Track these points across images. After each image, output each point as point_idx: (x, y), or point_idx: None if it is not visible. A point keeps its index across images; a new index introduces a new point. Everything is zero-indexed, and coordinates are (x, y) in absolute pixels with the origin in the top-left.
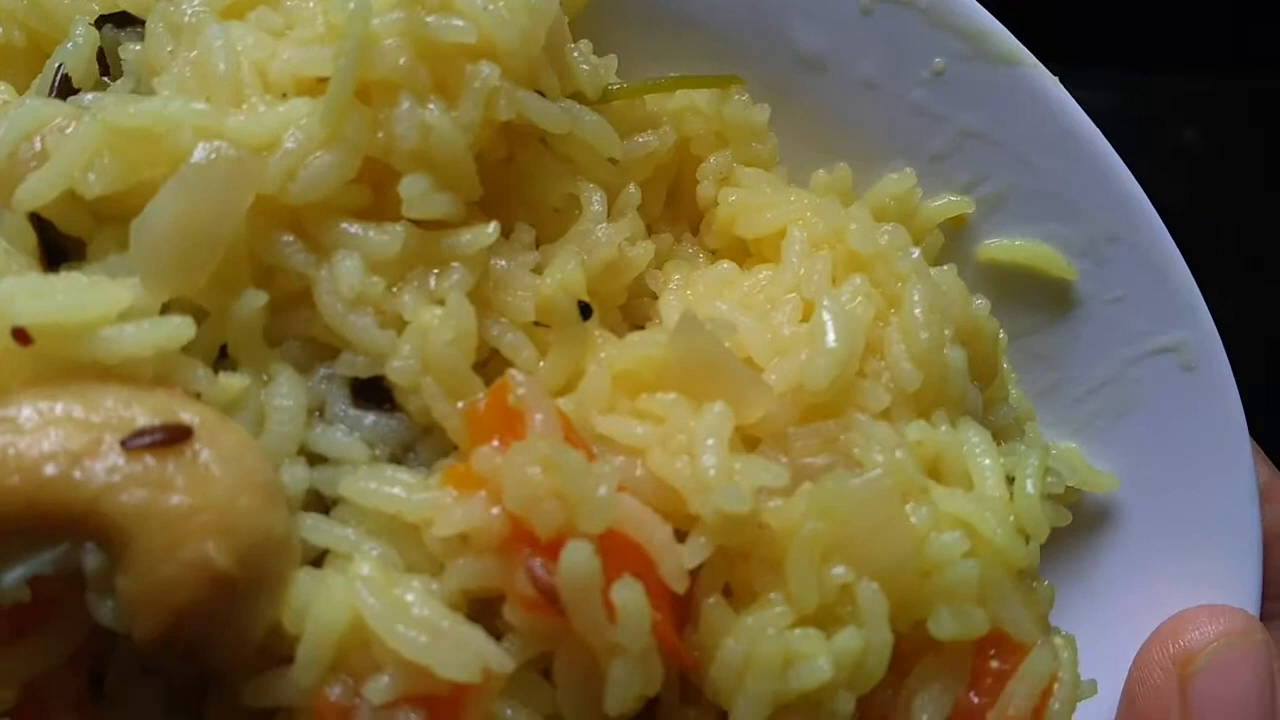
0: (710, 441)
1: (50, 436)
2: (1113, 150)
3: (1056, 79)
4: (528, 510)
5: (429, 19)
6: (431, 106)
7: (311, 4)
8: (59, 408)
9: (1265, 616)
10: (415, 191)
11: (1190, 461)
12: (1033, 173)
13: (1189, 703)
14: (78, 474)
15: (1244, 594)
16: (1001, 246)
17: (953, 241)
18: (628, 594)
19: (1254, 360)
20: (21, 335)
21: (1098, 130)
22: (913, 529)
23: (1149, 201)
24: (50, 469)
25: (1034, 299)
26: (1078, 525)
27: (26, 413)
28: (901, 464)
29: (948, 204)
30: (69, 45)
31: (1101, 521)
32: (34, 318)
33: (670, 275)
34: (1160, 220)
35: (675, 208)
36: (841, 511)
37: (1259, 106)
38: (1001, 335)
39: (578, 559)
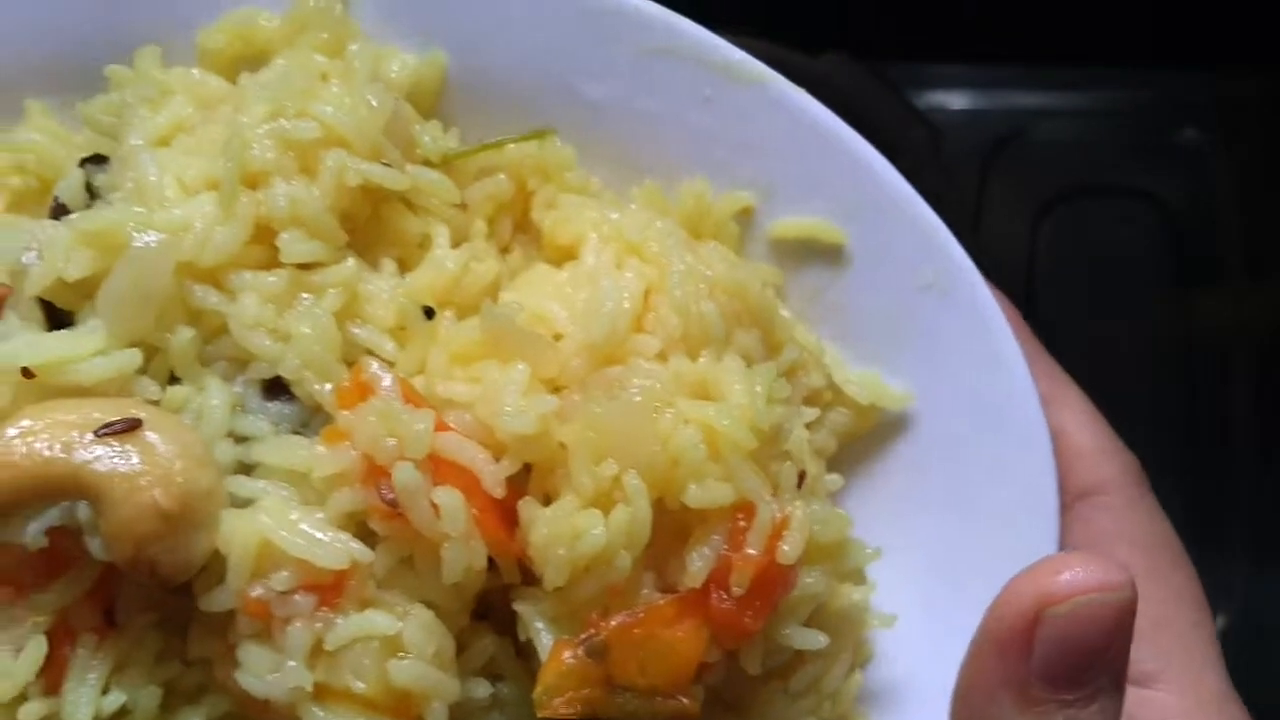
0: (511, 389)
1: (49, 434)
2: (854, 132)
3: (802, 89)
4: (372, 449)
5: (287, 124)
6: (296, 183)
7: (213, 129)
8: (55, 415)
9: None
10: (290, 244)
11: (971, 373)
12: (794, 165)
13: (1039, 638)
14: (66, 455)
15: (1040, 480)
16: (783, 225)
17: (746, 228)
18: (445, 496)
19: (1254, 360)
20: (27, 372)
21: (840, 120)
22: (660, 431)
23: (893, 168)
24: (49, 453)
25: (819, 261)
26: (882, 437)
27: (33, 422)
28: (650, 387)
29: (733, 199)
30: (63, 182)
31: (901, 431)
32: (33, 360)
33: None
34: (903, 180)
35: (526, 233)
36: (606, 424)
37: (1259, 106)
38: (769, 291)
39: (405, 475)
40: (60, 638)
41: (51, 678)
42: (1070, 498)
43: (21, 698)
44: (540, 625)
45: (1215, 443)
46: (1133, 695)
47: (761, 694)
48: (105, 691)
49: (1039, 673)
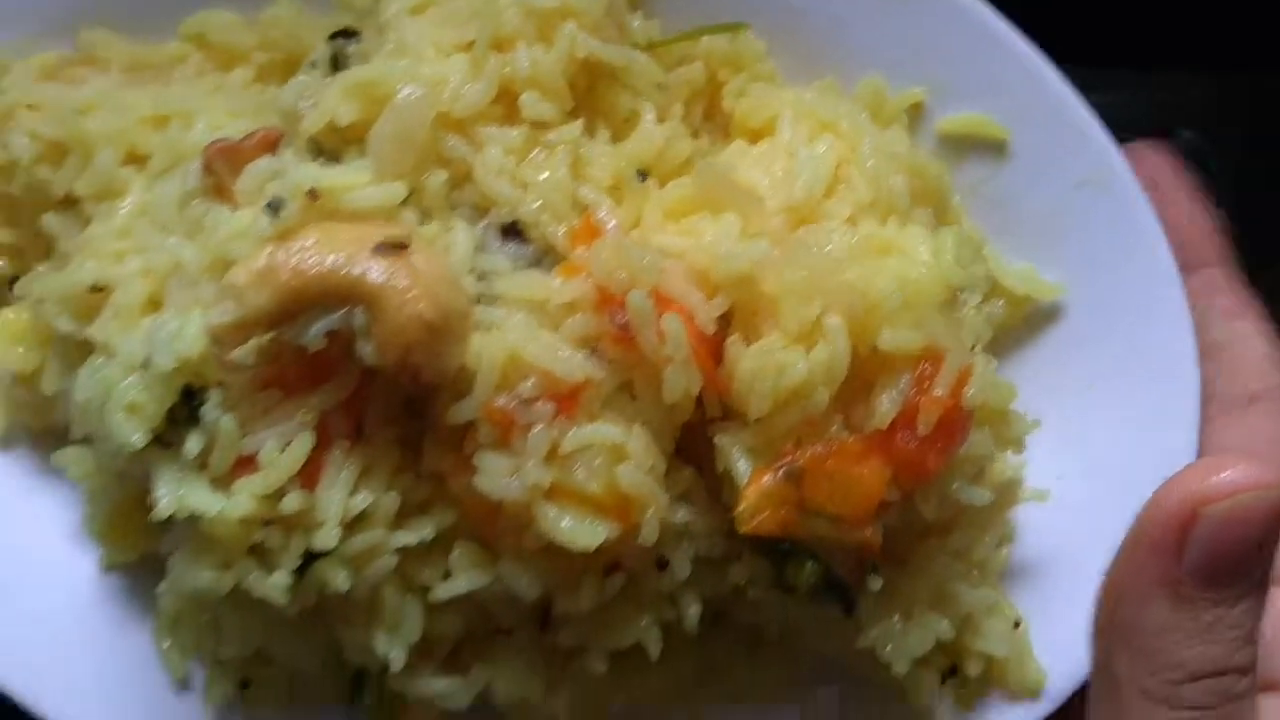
0: (725, 235)
1: (333, 247)
2: (1023, 39)
3: None
4: (606, 280)
5: None
6: (537, 49)
7: (459, 2)
8: (337, 233)
9: None
10: (529, 103)
11: (1121, 268)
12: (965, 66)
13: (1193, 536)
14: (347, 267)
15: (1182, 376)
16: (950, 120)
17: (915, 122)
18: (670, 322)
19: None
20: (312, 194)
21: (1011, 27)
22: (860, 277)
23: (1052, 70)
24: (333, 263)
25: (981, 156)
26: (1033, 325)
27: (319, 238)
28: (847, 240)
29: (905, 94)
30: (315, 53)
31: (1052, 321)
32: (317, 183)
33: None
34: (1062, 80)
35: (713, 120)
36: (814, 266)
37: (1258, 107)
38: (945, 175)
39: (637, 301)
40: (318, 441)
41: (307, 476)
42: (1239, 400)
43: (281, 491)
44: (738, 454)
45: None
46: (1274, 594)
47: (920, 549)
48: (353, 493)
49: (1191, 570)
